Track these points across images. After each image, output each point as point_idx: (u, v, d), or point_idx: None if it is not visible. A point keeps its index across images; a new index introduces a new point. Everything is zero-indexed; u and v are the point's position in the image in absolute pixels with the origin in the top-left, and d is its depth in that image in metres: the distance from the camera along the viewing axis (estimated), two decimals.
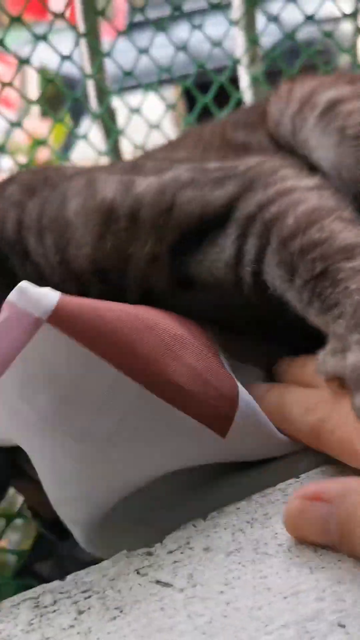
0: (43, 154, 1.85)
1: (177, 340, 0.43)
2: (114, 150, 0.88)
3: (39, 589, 0.39)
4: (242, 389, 0.44)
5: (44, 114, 0.96)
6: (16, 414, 0.39)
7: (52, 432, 0.39)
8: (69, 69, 0.87)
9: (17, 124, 0.80)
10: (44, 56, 0.86)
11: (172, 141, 0.73)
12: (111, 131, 0.87)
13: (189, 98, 1.01)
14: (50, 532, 0.54)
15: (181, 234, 0.50)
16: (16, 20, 0.78)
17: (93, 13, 0.84)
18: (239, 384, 0.44)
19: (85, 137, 0.86)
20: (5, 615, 0.37)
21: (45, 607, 0.38)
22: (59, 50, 0.82)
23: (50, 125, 0.88)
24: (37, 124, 1.37)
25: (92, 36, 0.85)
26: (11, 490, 0.57)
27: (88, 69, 0.88)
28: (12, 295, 0.39)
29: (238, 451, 0.44)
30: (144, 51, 0.86)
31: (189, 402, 0.41)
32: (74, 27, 0.86)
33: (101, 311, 0.41)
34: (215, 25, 0.94)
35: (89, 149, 0.88)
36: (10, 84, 0.79)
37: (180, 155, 0.63)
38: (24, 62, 0.81)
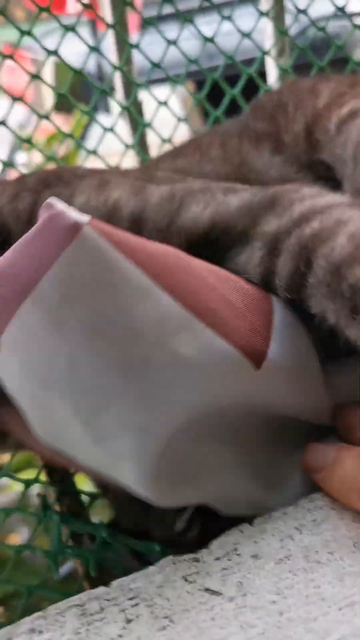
0: (61, 150, 1.85)
1: (212, 272, 0.41)
2: (140, 143, 0.86)
3: (84, 596, 0.38)
4: (278, 327, 0.41)
5: (60, 109, 0.95)
6: (57, 327, 0.37)
7: (96, 341, 0.37)
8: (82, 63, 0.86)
9: (45, 116, 0.79)
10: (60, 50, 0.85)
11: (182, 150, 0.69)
12: (138, 124, 0.85)
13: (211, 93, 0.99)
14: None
15: (188, 241, 0.45)
16: (44, 10, 0.76)
17: (122, 3, 0.82)
18: (275, 318, 0.42)
19: (112, 129, 0.84)
20: (51, 624, 0.36)
21: (92, 615, 0.37)
22: (72, 44, 0.80)
23: (70, 119, 0.87)
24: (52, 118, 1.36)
25: (120, 27, 0.84)
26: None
27: (115, 60, 0.86)
28: (46, 205, 0.38)
29: (270, 392, 0.42)
30: (172, 42, 0.84)
31: (226, 328, 0.39)
32: (93, 21, 0.85)
33: (134, 236, 0.40)
34: (240, 18, 0.92)
35: (112, 143, 0.86)
36: (38, 77, 0.78)
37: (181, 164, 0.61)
38: (51, 53, 0.80)
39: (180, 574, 0.39)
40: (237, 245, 0.44)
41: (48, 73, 2.98)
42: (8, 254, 0.37)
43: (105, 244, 0.37)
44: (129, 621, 0.36)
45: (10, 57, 0.74)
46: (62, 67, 0.91)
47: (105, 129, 0.84)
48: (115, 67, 0.86)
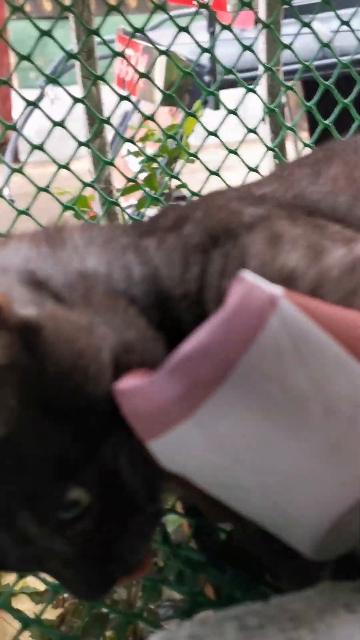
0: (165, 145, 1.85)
1: None
2: (280, 147, 0.85)
3: (242, 609, 0.37)
4: None
5: (168, 102, 0.95)
6: (256, 406, 0.36)
7: (294, 420, 0.36)
8: (196, 55, 0.86)
9: (150, 117, 0.80)
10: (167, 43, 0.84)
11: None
12: (280, 127, 0.84)
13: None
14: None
15: None
16: (159, 7, 0.78)
17: (281, 2, 0.82)
18: None
19: (254, 131, 0.83)
20: (211, 632, 0.36)
21: (252, 629, 0.36)
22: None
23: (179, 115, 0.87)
24: (158, 110, 1.36)
25: (275, 26, 0.83)
26: None
27: (264, 58, 0.85)
28: (238, 280, 0.37)
29: None
30: (326, 45, 0.83)
31: None
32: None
33: (323, 304, 0.38)
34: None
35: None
36: (146, 75, 0.79)
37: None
38: (163, 53, 0.81)
39: (342, 601, 0.38)
40: None
41: (160, 64, 3.00)
42: (204, 331, 0.36)
43: (300, 315, 0.36)
44: None
45: (121, 54, 0.75)
46: (174, 56, 0.91)
47: (210, 133, 0.83)
48: (266, 67, 0.85)
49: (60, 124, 0.76)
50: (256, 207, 0.51)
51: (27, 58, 0.73)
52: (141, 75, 0.79)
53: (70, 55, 0.76)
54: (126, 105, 0.97)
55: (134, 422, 0.37)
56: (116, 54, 0.77)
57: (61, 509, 0.39)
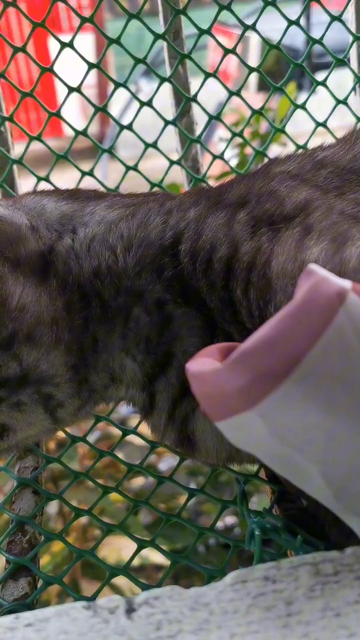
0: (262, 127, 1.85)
1: None
2: None
3: (318, 556, 0.37)
4: None
5: (263, 87, 0.94)
6: (323, 401, 0.36)
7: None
8: (291, 40, 0.85)
9: (236, 93, 0.79)
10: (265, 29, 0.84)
11: None
12: None
13: None
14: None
15: None
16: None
17: None
18: None
19: (344, 102, 0.82)
20: (285, 576, 0.36)
21: (326, 576, 0.36)
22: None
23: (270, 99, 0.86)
24: (252, 97, 1.36)
25: None
26: None
27: (353, 29, 0.83)
28: (306, 273, 0.37)
29: None
30: None
31: None
32: None
33: None
34: None
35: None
36: (233, 51, 0.78)
37: None
38: (248, 27, 0.80)
39: None
40: None
41: (254, 51, 2.97)
42: (271, 325, 0.36)
43: None
44: None
45: (208, 32, 0.74)
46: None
47: (297, 106, 0.81)
48: (355, 36, 0.83)
49: (149, 104, 0.78)
50: (302, 189, 0.53)
51: (117, 42, 0.76)
52: (227, 51, 0.79)
53: (157, 36, 0.78)
54: (219, 96, 0.98)
55: (201, 402, 0.38)
56: (202, 31, 0.78)
57: None
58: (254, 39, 2.84)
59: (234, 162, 1.51)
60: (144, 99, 0.79)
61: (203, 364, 0.38)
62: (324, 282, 0.35)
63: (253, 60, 2.68)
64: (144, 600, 0.36)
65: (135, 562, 0.55)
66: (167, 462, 1.43)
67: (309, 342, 0.35)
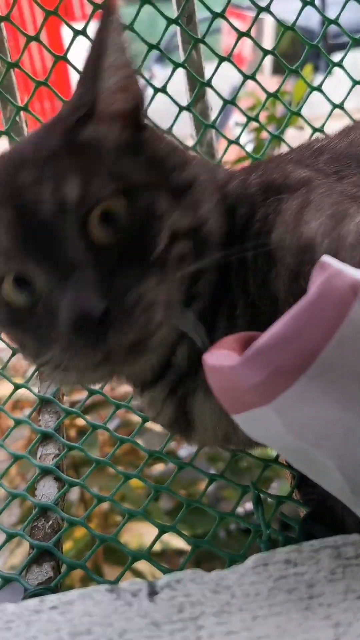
0: (279, 110, 1.83)
1: None
2: None
3: (339, 539, 0.37)
4: None
5: (278, 70, 0.93)
6: (340, 395, 0.36)
7: None
8: (306, 21, 0.84)
9: (251, 77, 0.79)
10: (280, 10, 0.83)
11: None
12: None
13: None
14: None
15: None
16: None
17: None
18: None
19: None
20: (307, 559, 0.36)
21: (348, 559, 0.36)
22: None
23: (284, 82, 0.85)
24: (267, 81, 1.34)
25: None
26: None
27: None
28: (320, 266, 0.36)
29: None
30: None
31: None
32: None
33: None
34: None
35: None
36: (247, 34, 0.77)
37: None
38: (262, 9, 0.79)
39: None
40: None
41: (268, 33, 2.92)
42: (286, 320, 0.36)
43: None
44: None
45: (222, 15, 0.74)
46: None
47: (313, 88, 0.80)
48: None
49: (163, 90, 0.78)
50: (304, 170, 0.54)
51: (130, 28, 0.76)
52: (241, 34, 0.79)
53: (170, 20, 0.77)
54: (234, 80, 0.97)
55: (218, 395, 0.38)
56: (216, 14, 0.77)
57: None
58: (268, 21, 2.81)
59: (249, 147, 1.50)
60: (158, 85, 0.78)
61: (220, 357, 0.38)
62: (338, 276, 0.35)
63: (267, 42, 2.65)
64: (166, 583, 0.37)
65: (157, 547, 0.55)
66: (186, 449, 1.43)
67: (324, 338, 0.34)
